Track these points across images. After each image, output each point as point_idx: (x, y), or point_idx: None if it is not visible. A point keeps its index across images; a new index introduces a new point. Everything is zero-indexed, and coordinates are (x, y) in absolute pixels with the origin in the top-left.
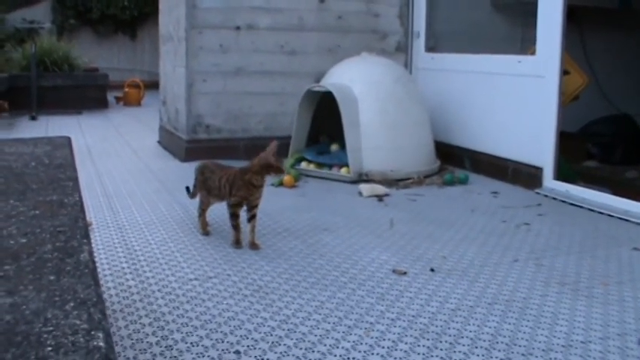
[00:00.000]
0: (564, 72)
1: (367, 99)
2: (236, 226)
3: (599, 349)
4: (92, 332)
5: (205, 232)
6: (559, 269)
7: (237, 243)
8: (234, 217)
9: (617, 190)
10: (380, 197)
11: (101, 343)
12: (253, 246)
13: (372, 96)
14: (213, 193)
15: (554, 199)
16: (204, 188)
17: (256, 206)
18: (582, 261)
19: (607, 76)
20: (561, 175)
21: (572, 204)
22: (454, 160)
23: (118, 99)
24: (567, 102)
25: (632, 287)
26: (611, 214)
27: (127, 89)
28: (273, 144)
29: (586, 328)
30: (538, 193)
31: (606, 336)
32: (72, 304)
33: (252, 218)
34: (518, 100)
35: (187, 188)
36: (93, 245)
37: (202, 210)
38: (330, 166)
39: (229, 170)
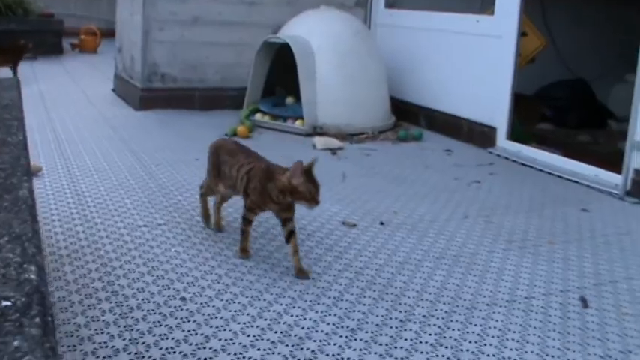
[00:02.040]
0: (522, 33)
1: (325, 52)
2: (245, 232)
3: (541, 304)
4: (24, 265)
5: (214, 226)
6: (507, 227)
7: (243, 252)
8: (245, 221)
9: (569, 152)
10: (334, 151)
11: (33, 276)
12: (301, 273)
13: (329, 49)
14: (227, 183)
15: (506, 158)
16: (217, 173)
17: (290, 220)
18: (530, 220)
19: (565, 41)
20: (515, 136)
21: (523, 164)
22: (410, 117)
23: (73, 46)
24: (524, 63)
25: (578, 246)
26: (561, 175)
27: (83, 36)
28: (312, 162)
29: (530, 284)
30: (491, 152)
31: (549, 292)
32: (6, 239)
33: (290, 236)
34: (475, 59)
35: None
36: (42, 190)
37: (203, 195)
38: (285, 119)
39: (253, 160)
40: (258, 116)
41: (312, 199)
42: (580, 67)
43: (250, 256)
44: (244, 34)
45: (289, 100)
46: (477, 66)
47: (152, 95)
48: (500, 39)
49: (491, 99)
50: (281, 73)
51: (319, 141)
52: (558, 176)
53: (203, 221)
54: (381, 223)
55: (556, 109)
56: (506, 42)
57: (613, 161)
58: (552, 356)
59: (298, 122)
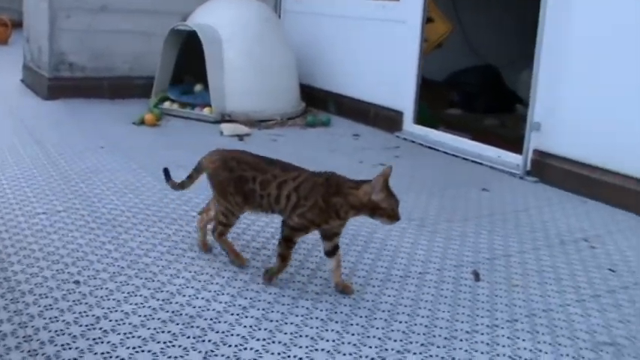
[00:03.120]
0: (428, 19)
1: (233, 39)
2: (286, 257)
3: (435, 279)
4: None
5: (201, 246)
6: (408, 207)
7: (269, 276)
8: (288, 243)
9: (476, 135)
10: (241, 137)
11: None
12: (346, 289)
13: (237, 37)
14: (256, 204)
15: (412, 142)
16: (231, 189)
17: (338, 234)
18: (432, 199)
19: (474, 28)
20: (424, 120)
21: (429, 147)
22: (319, 103)
23: None
24: (430, 49)
25: (476, 224)
26: (466, 157)
27: None
28: (385, 171)
29: (425, 261)
30: (398, 136)
31: (443, 267)
32: None
33: (334, 251)
34: (381, 45)
35: (167, 171)
36: None
37: (223, 225)
38: (194, 106)
39: (296, 172)
40: (167, 104)
41: (394, 215)
42: (490, 53)
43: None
44: (153, 22)
45: (198, 87)
46: (383, 51)
47: (60, 85)
48: (405, 24)
49: (397, 84)
50: (190, 61)
51: (226, 127)
52: (463, 158)
53: (235, 263)
54: None
55: (465, 94)
56: (411, 27)
57: (518, 143)
58: (440, 327)
59: (207, 109)
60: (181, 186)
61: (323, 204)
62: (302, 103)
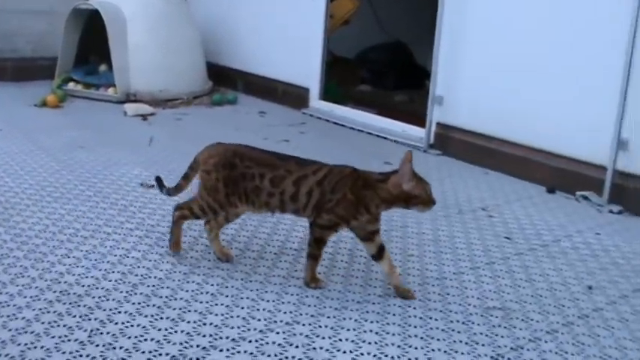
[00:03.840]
0: None
1: (137, 18)
2: (317, 257)
3: (330, 251)
4: None
5: (225, 257)
6: None
7: (314, 281)
8: (319, 243)
9: (385, 111)
10: (145, 116)
11: None
12: (407, 294)
13: (141, 15)
14: (256, 200)
15: (319, 118)
16: (229, 190)
17: (377, 232)
18: None
19: (384, 4)
20: (332, 97)
21: (335, 123)
22: (227, 82)
23: None
24: (337, 26)
25: None
26: (371, 132)
27: None
28: (407, 155)
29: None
30: (304, 112)
31: (339, 239)
32: None
33: (382, 252)
34: (287, 22)
35: (159, 180)
36: None
37: (181, 219)
38: (98, 87)
39: (312, 166)
40: (71, 85)
41: (429, 200)
42: (399, 30)
43: (324, 286)
44: (56, 1)
45: (102, 68)
46: (289, 29)
47: None
48: (311, 1)
49: (303, 61)
50: (96, 41)
51: (130, 107)
52: (368, 133)
53: (171, 248)
54: None
55: (375, 71)
56: (316, 4)
57: (425, 118)
58: (331, 299)
59: (111, 90)
60: (177, 189)
61: (352, 197)
62: (209, 81)
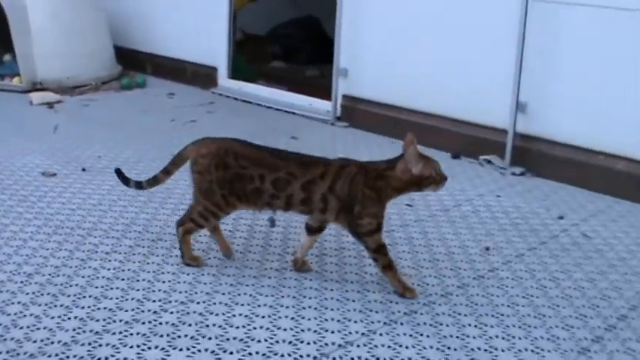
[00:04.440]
0: None
1: (38, 3)
2: (392, 264)
3: (230, 228)
4: None
5: (198, 263)
6: None
7: (408, 291)
8: (382, 250)
9: (296, 87)
10: (51, 104)
11: None
12: (305, 266)
13: (43, 1)
14: (258, 201)
15: (228, 97)
16: (225, 191)
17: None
18: None
19: None
20: (243, 75)
21: (245, 101)
22: (136, 65)
23: None
24: (244, 2)
25: None
26: (280, 107)
27: None
28: (409, 138)
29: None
30: (214, 92)
31: (239, 217)
32: None
33: (319, 230)
34: (192, 1)
35: (120, 173)
36: None
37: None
38: (2, 77)
39: (315, 169)
40: None
41: (441, 177)
42: (311, 4)
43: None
44: None
45: (7, 57)
46: (196, 8)
47: None
48: None
49: (211, 40)
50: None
51: (35, 96)
52: (277, 109)
53: (191, 263)
54: (83, 170)
55: (287, 47)
56: None
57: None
58: (227, 275)
59: (16, 79)
60: (153, 182)
61: (375, 194)
62: (118, 66)
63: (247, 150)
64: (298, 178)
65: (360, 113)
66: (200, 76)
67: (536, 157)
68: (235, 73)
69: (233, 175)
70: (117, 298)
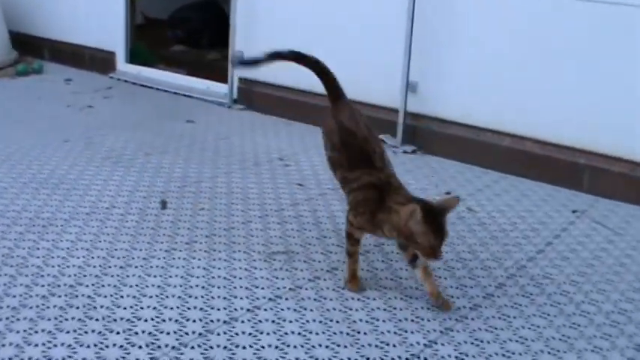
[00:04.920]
0: None
1: None
2: (350, 255)
3: (120, 212)
4: None
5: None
6: (107, 145)
7: (350, 283)
8: (348, 237)
9: (196, 70)
10: None
11: None
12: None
13: None
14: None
15: (126, 81)
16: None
17: None
18: (133, 136)
19: None
20: (142, 60)
21: (143, 85)
22: (34, 51)
23: None
24: None
25: (173, 155)
26: (178, 91)
27: None
28: (451, 200)
29: (114, 195)
30: (112, 77)
31: (131, 200)
32: None
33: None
34: None
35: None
36: None
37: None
38: None
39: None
40: None
41: (431, 253)
42: None
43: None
44: None
45: None
46: None
47: None
48: None
49: (108, 25)
50: None
51: None
52: (175, 93)
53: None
54: None
55: (189, 30)
56: None
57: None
58: (117, 258)
59: None
60: None
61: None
62: (14, 51)
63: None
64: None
65: (256, 95)
66: (98, 61)
67: (426, 135)
68: (134, 58)
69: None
70: (4, 285)
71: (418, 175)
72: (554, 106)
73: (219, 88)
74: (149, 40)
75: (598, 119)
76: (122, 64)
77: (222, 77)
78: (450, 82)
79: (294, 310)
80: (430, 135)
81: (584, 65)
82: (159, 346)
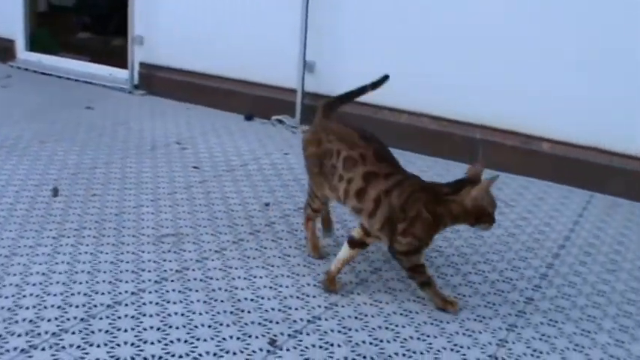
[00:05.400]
0: None
1: None
2: (430, 280)
3: (10, 201)
4: None
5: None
6: (3, 134)
7: (449, 304)
8: (415, 271)
9: (100, 57)
10: None
11: None
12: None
13: None
14: (331, 180)
15: (26, 70)
16: (318, 170)
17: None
18: (31, 124)
19: None
20: (45, 47)
21: (44, 73)
22: None
23: None
24: None
25: (69, 142)
26: (79, 78)
27: None
28: (478, 168)
29: (5, 184)
30: (11, 65)
31: (22, 188)
32: None
33: (362, 245)
34: None
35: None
36: None
37: (312, 210)
38: None
39: (386, 166)
40: None
41: (494, 220)
42: None
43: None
44: None
45: None
46: None
47: None
48: None
49: (7, 12)
50: None
51: None
52: (76, 80)
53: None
54: None
55: (95, 17)
56: None
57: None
58: (2, 247)
59: None
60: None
61: (428, 216)
62: None
63: (337, 126)
64: (367, 163)
65: (157, 80)
66: None
67: None
68: (37, 46)
69: (325, 151)
70: None
71: None
72: (449, 83)
73: (120, 74)
74: (54, 28)
75: (491, 95)
76: (22, 52)
77: (125, 63)
78: (346, 60)
79: (179, 291)
80: None
81: (477, 43)
82: (38, 334)
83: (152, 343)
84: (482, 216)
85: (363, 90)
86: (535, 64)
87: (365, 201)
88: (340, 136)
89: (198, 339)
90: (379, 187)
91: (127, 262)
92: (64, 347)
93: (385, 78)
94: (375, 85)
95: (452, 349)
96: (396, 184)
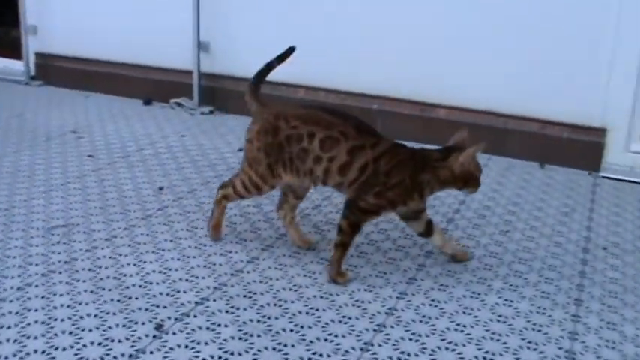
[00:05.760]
0: None
1: None
2: (348, 245)
3: None
4: None
5: (307, 245)
6: None
7: (341, 276)
8: (355, 229)
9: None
10: None
11: None
12: (465, 256)
13: None
14: (301, 167)
15: None
16: (271, 159)
17: (424, 210)
18: None
19: None
20: None
21: None
22: None
23: None
24: None
25: None
26: None
27: None
28: (463, 134)
29: None
30: None
31: None
32: None
33: (431, 226)
34: None
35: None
36: None
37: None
38: None
39: (370, 138)
40: None
41: (479, 184)
42: None
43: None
44: None
45: None
46: None
47: None
48: None
49: None
50: None
51: None
52: None
53: (210, 231)
54: None
55: None
56: None
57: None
58: None
59: None
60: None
61: (410, 181)
62: None
63: (300, 110)
64: (349, 140)
65: (54, 70)
66: None
67: (222, 94)
68: None
69: (282, 140)
70: None
71: (213, 135)
72: (344, 57)
73: (16, 65)
74: None
75: (387, 66)
76: None
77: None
78: (239, 39)
79: (67, 282)
80: (225, 94)
81: (366, 18)
82: None
83: (36, 338)
84: (469, 180)
85: (270, 66)
86: (427, 32)
87: (349, 173)
88: (306, 120)
89: (83, 329)
90: (367, 157)
91: (15, 257)
92: None
93: (291, 50)
94: (280, 58)
95: (340, 321)
96: (384, 152)
